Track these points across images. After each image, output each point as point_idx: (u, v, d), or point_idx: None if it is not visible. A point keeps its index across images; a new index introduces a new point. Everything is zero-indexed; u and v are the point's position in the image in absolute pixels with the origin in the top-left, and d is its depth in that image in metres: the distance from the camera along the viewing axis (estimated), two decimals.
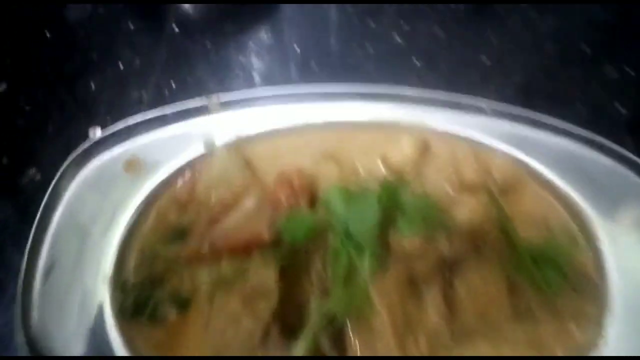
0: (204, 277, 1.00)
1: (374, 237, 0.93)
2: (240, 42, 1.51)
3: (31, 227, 1.05)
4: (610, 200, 1.03)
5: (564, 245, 0.97)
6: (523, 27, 1.53)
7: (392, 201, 0.94)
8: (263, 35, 1.53)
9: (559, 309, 0.95)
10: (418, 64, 1.43)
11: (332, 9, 1.57)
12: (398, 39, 1.49)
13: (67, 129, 1.33)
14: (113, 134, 1.14)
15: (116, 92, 1.39)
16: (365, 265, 0.93)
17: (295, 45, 1.49)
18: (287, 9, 1.58)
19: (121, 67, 1.47)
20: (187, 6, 1.59)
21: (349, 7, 1.56)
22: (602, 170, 1.06)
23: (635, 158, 1.05)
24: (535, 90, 1.36)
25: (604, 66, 1.41)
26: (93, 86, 1.42)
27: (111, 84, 1.41)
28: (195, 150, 1.14)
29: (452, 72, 1.40)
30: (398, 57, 1.44)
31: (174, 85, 1.38)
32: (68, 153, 1.12)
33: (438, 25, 1.51)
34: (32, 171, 1.27)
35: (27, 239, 1.03)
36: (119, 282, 1.04)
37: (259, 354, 0.89)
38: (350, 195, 0.98)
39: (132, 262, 1.06)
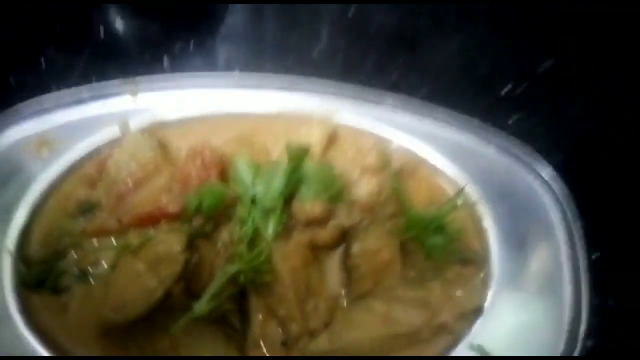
0: (109, 246, 1.01)
1: (279, 204, 0.99)
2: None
3: None
4: (495, 184, 1.15)
5: (452, 219, 1.06)
6: None
7: (296, 170, 1.00)
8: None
9: (447, 276, 1.03)
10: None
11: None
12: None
13: None
14: (25, 114, 1.14)
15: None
16: (269, 230, 0.98)
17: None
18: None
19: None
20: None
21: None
22: (486, 158, 1.19)
23: (512, 146, 1.19)
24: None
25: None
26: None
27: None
28: (109, 132, 1.16)
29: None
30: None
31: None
32: None
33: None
34: None
35: None
36: (22, 257, 1.02)
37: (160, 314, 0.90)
38: (258, 167, 1.04)
39: (38, 237, 1.06)
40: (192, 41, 1.49)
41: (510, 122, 1.40)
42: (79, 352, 0.95)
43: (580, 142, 1.40)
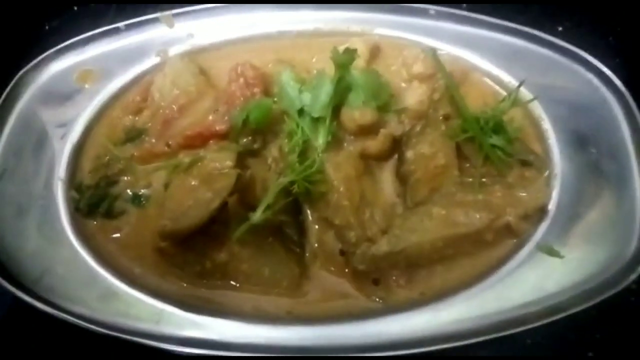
0: (160, 168, 1.00)
1: (327, 113, 0.96)
2: None
3: None
4: (549, 85, 1.09)
5: (509, 119, 1.01)
6: None
7: (343, 78, 0.96)
8: None
9: (508, 179, 0.99)
10: None
11: None
12: None
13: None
14: (66, 46, 1.14)
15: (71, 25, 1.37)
16: (319, 140, 0.96)
17: None
18: None
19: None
20: None
21: None
22: (540, 59, 1.13)
23: (567, 45, 1.12)
24: None
25: None
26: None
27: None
28: (149, 61, 1.15)
29: None
30: None
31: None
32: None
33: None
34: None
35: None
36: (73, 184, 1.03)
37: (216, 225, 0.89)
38: (303, 80, 1.01)
39: (87, 165, 1.06)
40: None
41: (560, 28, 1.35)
42: (136, 269, 0.95)
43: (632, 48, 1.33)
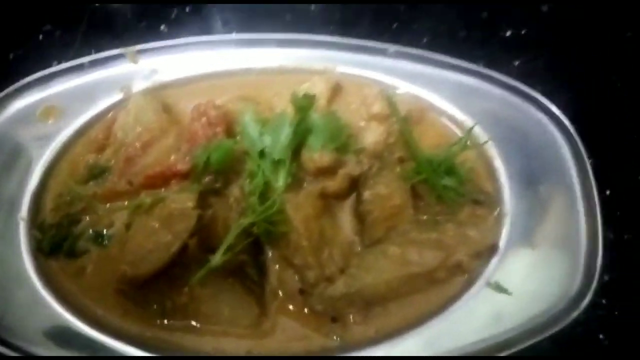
0: (122, 208, 1.01)
1: (287, 155, 0.98)
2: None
3: None
4: (502, 124, 1.14)
5: (462, 159, 1.05)
6: None
7: (303, 121, 0.99)
8: None
9: (460, 217, 1.03)
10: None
11: None
12: None
13: None
14: (29, 82, 1.14)
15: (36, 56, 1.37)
16: (280, 182, 0.98)
17: None
18: None
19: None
20: None
21: None
22: (494, 99, 1.18)
23: (519, 85, 1.17)
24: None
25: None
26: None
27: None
28: (112, 97, 1.16)
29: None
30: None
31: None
32: None
33: None
34: None
35: None
36: (35, 223, 1.03)
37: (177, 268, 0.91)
38: (265, 121, 1.03)
39: (49, 204, 1.07)
40: (188, 7, 1.49)
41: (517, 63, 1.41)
42: (98, 311, 0.96)
43: (584, 83, 1.40)
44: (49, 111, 1.13)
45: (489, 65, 1.25)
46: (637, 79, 1.46)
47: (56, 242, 1.01)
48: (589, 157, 1.11)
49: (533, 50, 1.47)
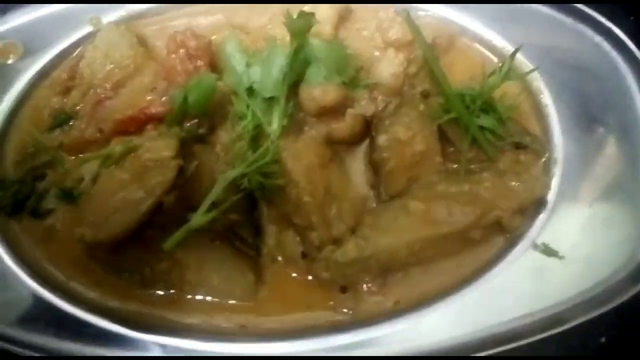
0: (91, 158, 0.86)
1: (282, 91, 0.81)
2: None
3: None
4: (551, 50, 0.95)
5: (501, 94, 0.86)
6: None
7: (300, 48, 0.81)
8: None
9: (500, 165, 0.85)
10: None
11: None
12: None
13: None
14: None
15: None
16: (274, 125, 0.81)
17: None
18: None
19: None
20: None
21: None
22: (540, 20, 0.98)
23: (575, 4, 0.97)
24: None
25: None
26: None
27: None
28: (80, 31, 1.01)
29: None
30: None
31: None
32: None
33: None
34: None
35: None
36: None
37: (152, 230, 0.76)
38: (254, 51, 0.85)
39: (11, 156, 0.93)
40: None
41: None
42: (68, 281, 0.83)
43: None
44: (8, 49, 1.00)
45: None
46: None
47: (19, 200, 0.89)
48: None
49: None
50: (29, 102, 0.97)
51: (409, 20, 0.89)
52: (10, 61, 0.98)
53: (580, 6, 0.97)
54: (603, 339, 0.86)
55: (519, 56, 0.92)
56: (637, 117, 0.90)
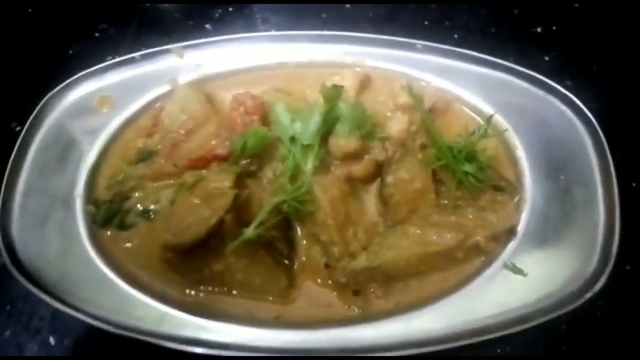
0: (167, 186, 1.12)
1: (316, 140, 1.07)
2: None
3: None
4: (525, 116, 1.19)
5: (483, 147, 1.11)
6: None
7: (332, 109, 1.07)
8: None
9: (481, 202, 1.08)
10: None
11: None
12: None
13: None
14: (87, 73, 1.27)
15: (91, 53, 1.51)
16: (308, 165, 1.07)
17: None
18: None
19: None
20: None
21: None
22: (518, 91, 1.22)
23: (544, 79, 1.21)
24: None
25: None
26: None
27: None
28: (160, 88, 1.27)
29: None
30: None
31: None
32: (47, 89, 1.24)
33: None
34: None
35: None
36: (90, 199, 1.15)
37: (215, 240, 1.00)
38: (296, 110, 1.12)
39: (102, 183, 1.18)
40: (230, 7, 1.60)
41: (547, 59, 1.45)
42: (143, 276, 1.06)
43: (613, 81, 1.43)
44: (104, 100, 1.25)
45: (519, 61, 1.29)
46: None
47: (108, 216, 1.12)
48: (615, 151, 1.14)
49: (563, 46, 1.51)
50: (119, 142, 1.21)
51: (411, 92, 1.15)
52: (105, 110, 1.24)
53: (550, 82, 1.21)
54: (564, 348, 1.08)
55: (499, 118, 1.18)
56: (592, 169, 1.12)
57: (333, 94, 1.07)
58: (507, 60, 1.27)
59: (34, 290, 1.01)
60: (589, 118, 1.17)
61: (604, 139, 1.14)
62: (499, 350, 1.08)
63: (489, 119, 1.10)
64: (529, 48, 1.51)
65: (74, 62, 1.40)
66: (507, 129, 1.15)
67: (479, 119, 1.21)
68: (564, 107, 1.20)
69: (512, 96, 1.22)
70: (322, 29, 1.35)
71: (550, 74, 1.24)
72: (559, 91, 1.21)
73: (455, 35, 1.52)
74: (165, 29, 1.55)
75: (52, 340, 1.12)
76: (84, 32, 1.59)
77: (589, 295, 0.98)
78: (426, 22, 1.56)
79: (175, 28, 1.56)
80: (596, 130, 1.15)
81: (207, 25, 1.55)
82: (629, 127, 1.37)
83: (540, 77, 1.22)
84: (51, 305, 1.01)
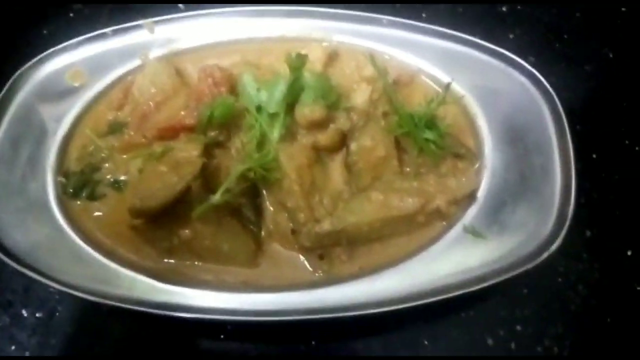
0: (137, 156, 1.14)
1: (281, 109, 1.09)
2: None
3: None
4: (486, 86, 1.23)
5: (444, 115, 1.14)
6: None
7: (297, 79, 1.10)
8: None
9: (442, 169, 1.12)
10: None
11: None
12: None
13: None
14: (59, 49, 1.28)
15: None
16: (275, 133, 1.09)
17: None
18: None
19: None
20: None
21: None
22: (480, 64, 1.26)
23: (505, 52, 1.25)
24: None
25: None
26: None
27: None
28: (131, 63, 1.28)
29: None
30: None
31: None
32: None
33: None
34: None
35: None
36: (61, 171, 1.17)
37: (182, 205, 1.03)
38: (263, 81, 1.14)
39: (74, 154, 1.20)
40: None
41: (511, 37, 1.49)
42: (113, 245, 1.09)
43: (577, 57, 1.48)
44: (76, 75, 1.26)
45: (485, 39, 1.30)
46: (631, 52, 1.52)
47: (79, 187, 1.14)
48: (576, 124, 1.18)
49: (528, 25, 1.55)
50: (90, 114, 1.22)
51: (373, 62, 1.18)
52: (77, 84, 1.25)
53: (511, 55, 1.24)
54: (526, 311, 1.13)
55: (458, 88, 1.21)
56: (550, 137, 1.15)
57: (298, 63, 1.09)
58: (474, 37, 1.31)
59: (5, 259, 1.02)
60: (547, 88, 1.20)
61: (561, 109, 1.17)
62: (463, 315, 1.13)
63: (447, 86, 1.14)
64: (495, 26, 1.54)
65: (49, 41, 1.40)
66: (464, 95, 1.18)
67: (440, 90, 1.24)
68: (523, 79, 1.23)
69: (474, 68, 1.25)
70: (292, 4, 1.37)
71: (514, 51, 1.27)
72: (520, 64, 1.24)
73: (424, 14, 1.55)
74: (140, 10, 1.55)
75: (24, 312, 1.15)
76: (59, 12, 1.59)
77: (545, 255, 1.02)
78: (397, 4, 1.58)
79: (148, 8, 1.57)
80: (554, 100, 1.19)
81: (181, 5, 1.56)
82: (591, 103, 1.42)
83: (502, 51, 1.25)
84: (23, 277, 1.03)
